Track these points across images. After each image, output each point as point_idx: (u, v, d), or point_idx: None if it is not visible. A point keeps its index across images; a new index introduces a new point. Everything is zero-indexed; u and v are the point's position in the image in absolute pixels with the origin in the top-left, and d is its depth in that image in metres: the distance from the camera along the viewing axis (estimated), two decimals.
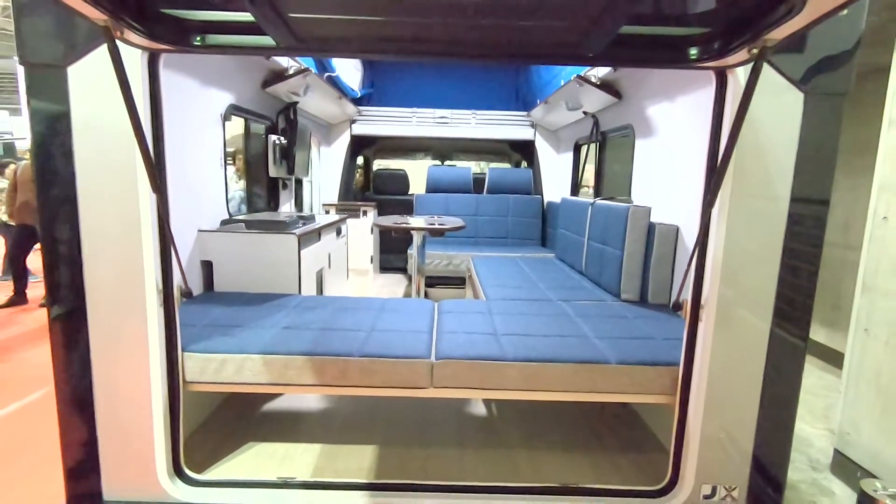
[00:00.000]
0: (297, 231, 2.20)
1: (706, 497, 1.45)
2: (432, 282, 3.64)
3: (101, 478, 1.43)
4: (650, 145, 2.41)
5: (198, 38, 1.12)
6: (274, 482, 1.47)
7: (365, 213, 4.12)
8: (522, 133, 4.31)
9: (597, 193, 3.38)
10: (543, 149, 4.36)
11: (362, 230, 4.08)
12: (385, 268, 4.42)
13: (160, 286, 1.37)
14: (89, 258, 1.35)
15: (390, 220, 2.86)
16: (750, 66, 1.09)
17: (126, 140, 1.26)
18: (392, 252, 4.38)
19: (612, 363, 1.48)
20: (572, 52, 1.10)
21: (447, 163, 5.51)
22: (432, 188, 4.28)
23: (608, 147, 3.26)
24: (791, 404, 1.42)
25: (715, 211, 1.33)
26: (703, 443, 1.42)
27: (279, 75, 2.64)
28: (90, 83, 1.25)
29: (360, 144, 4.56)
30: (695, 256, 1.36)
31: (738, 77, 1.26)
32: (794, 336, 1.38)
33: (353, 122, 4.28)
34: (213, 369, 1.47)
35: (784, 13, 0.92)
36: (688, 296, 1.42)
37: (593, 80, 2.60)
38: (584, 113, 3.21)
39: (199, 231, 2.11)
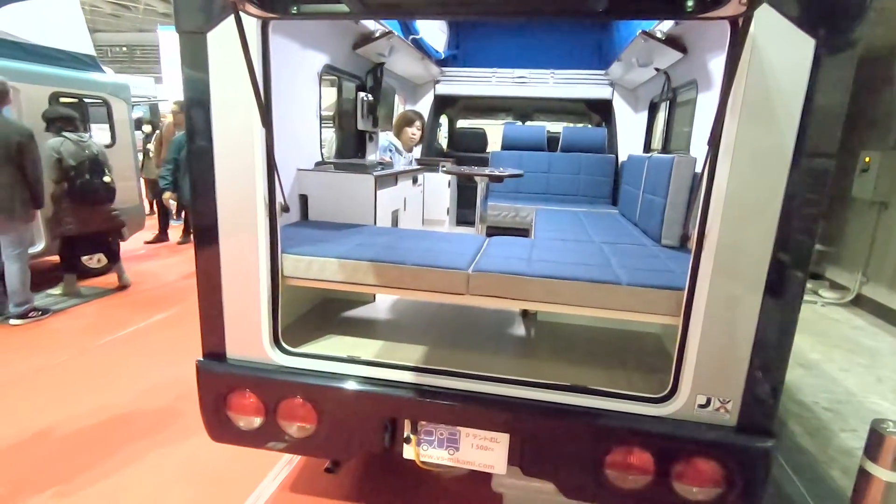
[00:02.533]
0: (375, 173, 2.61)
1: (701, 406, 1.66)
2: (497, 232, 3.94)
3: (226, 342, 1.96)
4: (709, 99, 2.47)
5: (294, 8, 1.49)
6: (343, 358, 1.92)
7: (444, 167, 4.47)
8: (600, 92, 4.36)
9: (664, 150, 3.42)
10: (621, 108, 4.38)
11: (440, 183, 4.45)
12: (461, 221, 4.77)
13: (266, 201, 1.82)
14: (220, 184, 1.82)
15: (457, 170, 3.18)
16: (760, 10, 1.22)
17: (245, 89, 1.68)
18: (468, 207, 4.71)
19: (624, 284, 1.71)
20: (582, 7, 1.31)
21: (528, 123, 5.67)
22: (507, 146, 4.52)
23: (678, 104, 3.28)
24: (787, 332, 1.56)
25: (722, 151, 1.49)
26: (700, 358, 1.62)
27: (367, 38, 3.02)
28: (222, 46, 1.68)
29: (444, 104, 4.88)
30: (701, 192, 1.53)
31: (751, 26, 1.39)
32: (792, 271, 1.51)
33: (437, 82, 4.60)
34: (302, 267, 1.93)
35: None
36: (694, 228, 1.59)
37: (658, 35, 2.66)
38: (656, 70, 3.25)
39: (298, 170, 2.59)
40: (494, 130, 5.69)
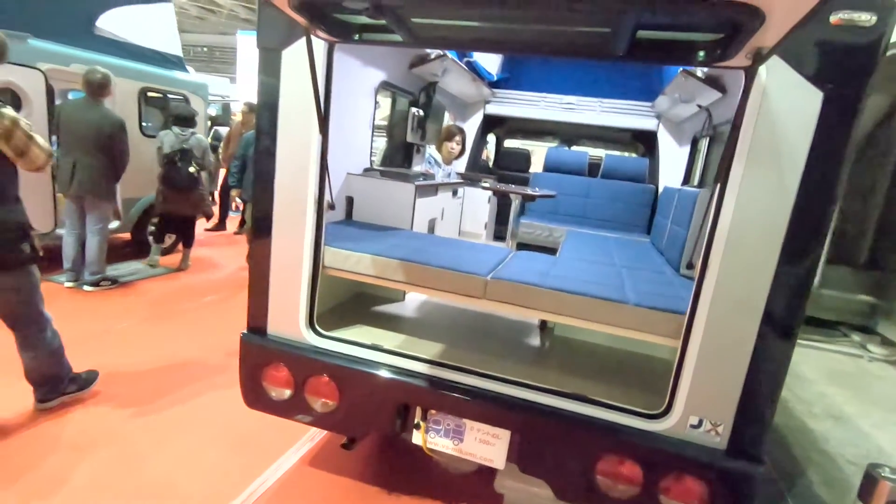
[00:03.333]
0: (416, 183, 2.84)
1: (693, 426, 1.75)
2: (528, 249, 4.08)
3: (268, 319, 2.21)
4: None
5: (356, 35, 1.74)
6: (367, 345, 2.12)
7: (482, 183, 4.66)
8: (646, 123, 4.45)
9: (700, 185, 3.48)
10: (666, 141, 4.45)
11: (481, 198, 4.64)
12: (497, 236, 4.94)
13: (315, 199, 2.07)
14: (278, 180, 2.08)
15: (493, 186, 3.37)
16: (773, 62, 1.35)
17: (308, 100, 1.94)
18: (506, 223, 4.88)
19: (630, 304, 1.84)
20: (605, 51, 1.48)
21: (574, 148, 5.80)
22: (549, 168, 4.67)
23: (717, 141, 3.35)
24: (781, 364, 1.64)
25: (729, 188, 1.60)
26: (695, 380, 1.72)
27: (423, 58, 3.28)
28: (294, 62, 1.95)
29: (492, 123, 5.09)
30: (707, 224, 1.65)
31: (761, 75, 1.51)
32: (788, 308, 1.60)
33: (487, 102, 4.82)
34: (340, 260, 2.16)
35: (757, 26, 1.21)
36: (699, 257, 1.71)
37: (699, 74, 2.77)
38: (699, 106, 3.33)
39: (347, 174, 2.85)
40: (542, 152, 5.84)
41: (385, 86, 3.15)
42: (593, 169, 4.76)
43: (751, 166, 1.57)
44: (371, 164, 3.09)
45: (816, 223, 1.55)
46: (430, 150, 3.94)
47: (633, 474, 1.81)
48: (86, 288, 4.64)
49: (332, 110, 2.07)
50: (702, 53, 1.42)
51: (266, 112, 2.04)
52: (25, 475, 2.34)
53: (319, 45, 1.89)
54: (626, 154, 5.34)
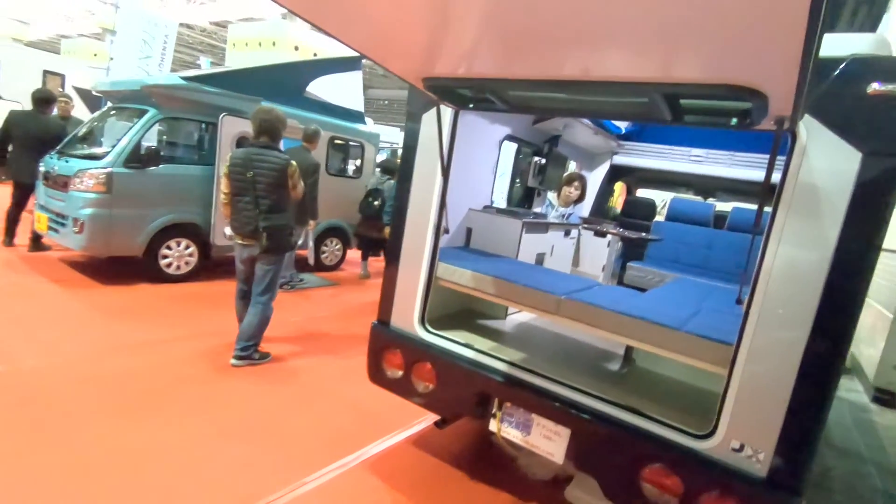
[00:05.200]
0: (524, 220, 3.33)
1: (734, 450, 1.90)
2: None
3: (392, 314, 2.86)
4: None
5: (471, 105, 2.34)
6: (462, 342, 2.63)
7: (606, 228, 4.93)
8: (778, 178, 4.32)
9: None
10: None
11: (601, 241, 4.91)
12: (619, 281, 5.11)
13: (434, 224, 2.69)
14: (410, 211, 2.75)
15: (592, 227, 3.69)
16: (813, 125, 1.60)
17: (436, 151, 2.60)
18: (624, 269, 5.05)
19: (681, 331, 2.07)
20: (656, 115, 1.84)
21: (709, 200, 5.71)
22: (671, 217, 4.76)
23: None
24: (823, 400, 1.74)
25: (773, 235, 1.81)
26: (737, 406, 1.88)
27: (544, 116, 3.81)
28: (428, 122, 2.63)
29: (619, 173, 5.36)
30: (754, 267, 1.86)
31: (802, 136, 1.73)
32: (828, 350, 1.71)
33: (615, 153, 5.13)
34: (449, 273, 2.74)
35: (765, 101, 1.50)
36: (747, 294, 1.90)
37: None
38: None
39: (469, 209, 3.47)
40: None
41: (509, 138, 3.74)
42: (720, 221, 4.71)
43: (792, 217, 1.77)
44: (491, 202, 3.67)
45: (857, 273, 1.68)
46: (550, 193, 4.40)
47: (675, 486, 2.00)
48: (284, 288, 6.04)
49: (461, 157, 2.70)
50: (735, 120, 1.71)
51: (407, 159, 2.76)
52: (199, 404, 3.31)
53: (448, 112, 2.55)
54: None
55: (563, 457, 2.28)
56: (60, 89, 11.35)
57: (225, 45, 17.61)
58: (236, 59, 14.46)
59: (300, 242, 6.22)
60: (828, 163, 1.71)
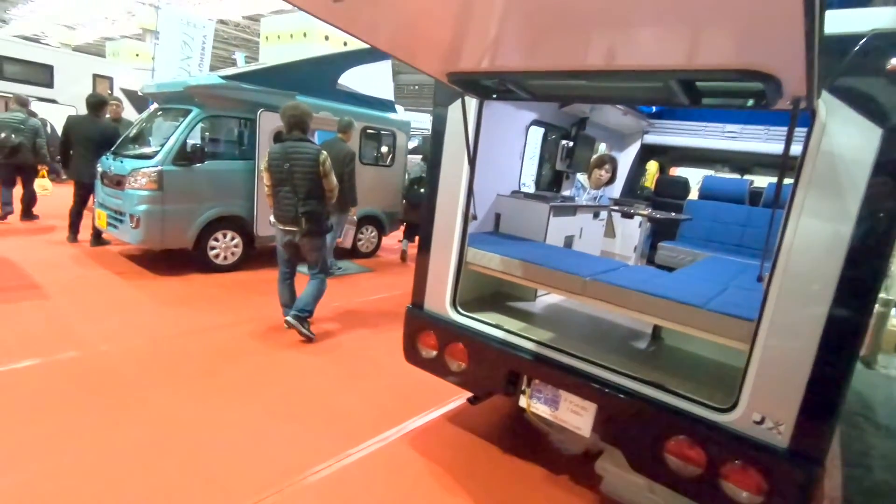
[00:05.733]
0: (551, 203, 3.40)
1: (756, 422, 1.96)
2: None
3: (425, 298, 3.01)
4: None
5: (494, 95, 2.43)
6: (492, 323, 2.75)
7: (637, 208, 4.91)
8: None
9: None
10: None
11: (633, 222, 4.90)
12: (650, 260, 5.10)
13: (463, 211, 2.81)
14: (440, 197, 2.88)
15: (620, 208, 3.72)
16: (832, 102, 1.62)
17: (462, 140, 2.70)
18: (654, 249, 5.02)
19: (704, 309, 2.13)
20: (675, 100, 1.89)
21: (746, 176, 5.58)
22: (704, 196, 4.70)
23: None
24: (844, 373, 1.78)
25: (794, 211, 1.84)
26: (758, 380, 1.93)
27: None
28: (455, 113, 2.73)
29: (651, 152, 5.30)
30: (775, 242, 1.89)
31: (821, 113, 1.75)
32: (848, 323, 1.75)
33: (646, 132, 5.07)
34: (478, 258, 2.86)
35: (778, 84, 1.53)
36: (767, 271, 1.94)
37: None
38: None
39: (497, 195, 3.56)
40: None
41: (536, 123, 3.78)
42: (757, 198, 4.62)
43: (812, 192, 1.80)
44: (519, 187, 3.74)
45: (877, 245, 1.69)
46: (580, 176, 4.43)
47: (699, 457, 2.08)
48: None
49: (488, 143, 2.80)
50: (751, 101, 1.74)
51: (436, 149, 2.87)
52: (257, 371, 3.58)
53: (473, 102, 2.64)
54: None
55: (590, 431, 2.39)
56: (109, 91, 12.00)
57: (258, 39, 18.05)
58: (269, 52, 14.81)
59: (338, 234, 6.47)
60: (847, 139, 1.72)
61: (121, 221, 5.67)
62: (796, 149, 1.83)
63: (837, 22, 1.80)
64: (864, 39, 1.69)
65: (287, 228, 4.12)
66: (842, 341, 1.78)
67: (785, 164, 1.79)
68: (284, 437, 3.00)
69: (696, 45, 1.51)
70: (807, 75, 1.42)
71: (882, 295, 6.20)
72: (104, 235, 6.54)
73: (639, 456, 2.26)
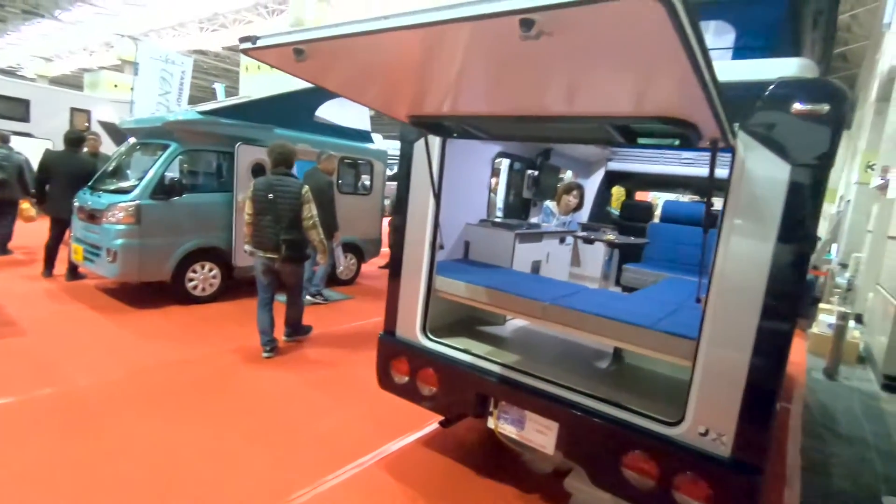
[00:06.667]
0: (517, 231, 3.58)
1: (701, 434, 2.11)
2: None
3: (396, 325, 3.13)
4: None
5: (454, 134, 2.62)
6: (461, 348, 2.88)
7: (603, 232, 5.13)
8: None
9: None
10: None
11: (598, 247, 5.11)
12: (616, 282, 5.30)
13: (430, 241, 2.96)
14: (407, 230, 3.03)
15: (582, 235, 3.92)
16: (749, 141, 1.84)
17: (428, 175, 2.87)
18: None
19: (652, 329, 2.29)
20: (611, 139, 2.09)
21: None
22: (665, 219, 4.94)
23: None
24: (774, 385, 1.94)
25: (723, 236, 2.03)
26: (700, 395, 2.08)
27: None
28: (420, 150, 2.90)
29: (616, 178, 5.56)
30: (708, 268, 2.08)
31: (740, 151, 1.95)
32: (775, 337, 1.92)
33: (609, 160, 5.34)
34: (446, 285, 3.00)
35: (695, 128, 1.73)
36: (703, 293, 2.12)
37: None
38: None
39: (466, 224, 3.73)
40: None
41: (502, 155, 3.99)
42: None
43: (738, 220, 1.99)
44: (487, 215, 3.92)
45: (795, 266, 1.89)
46: (549, 202, 4.64)
47: (652, 470, 2.21)
48: (307, 300, 6.46)
49: (456, 175, 2.98)
50: (677, 141, 1.95)
51: (403, 183, 3.04)
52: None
53: (436, 139, 2.83)
54: None
55: (554, 448, 2.51)
56: (87, 124, 12.03)
57: (238, 69, 18.30)
58: (249, 83, 15.03)
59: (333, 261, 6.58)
60: (763, 172, 1.93)
61: (98, 256, 5.69)
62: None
63: (749, 70, 2.04)
64: (772, 86, 1.91)
65: (268, 256, 4.39)
66: (771, 353, 1.95)
67: (710, 194, 1.99)
68: (263, 465, 3.05)
69: (624, 97, 1.72)
70: (716, 121, 1.62)
71: (841, 309, 6.49)
72: (80, 269, 6.53)
73: (599, 471, 2.39)
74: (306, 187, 4.44)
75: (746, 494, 2.00)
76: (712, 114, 1.56)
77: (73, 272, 6.59)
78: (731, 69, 2.14)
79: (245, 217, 4.44)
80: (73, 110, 12.06)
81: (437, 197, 2.86)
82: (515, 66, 1.55)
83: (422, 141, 2.84)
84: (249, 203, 4.38)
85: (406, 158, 2.99)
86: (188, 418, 3.51)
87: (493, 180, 4.05)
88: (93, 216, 5.70)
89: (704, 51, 1.19)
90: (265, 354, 4.62)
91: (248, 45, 1.71)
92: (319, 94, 7.33)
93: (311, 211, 4.44)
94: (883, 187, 9.07)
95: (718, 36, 2.76)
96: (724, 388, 2.04)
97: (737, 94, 1.93)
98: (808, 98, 1.84)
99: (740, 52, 2.60)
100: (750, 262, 1.97)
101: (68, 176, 6.42)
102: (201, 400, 3.79)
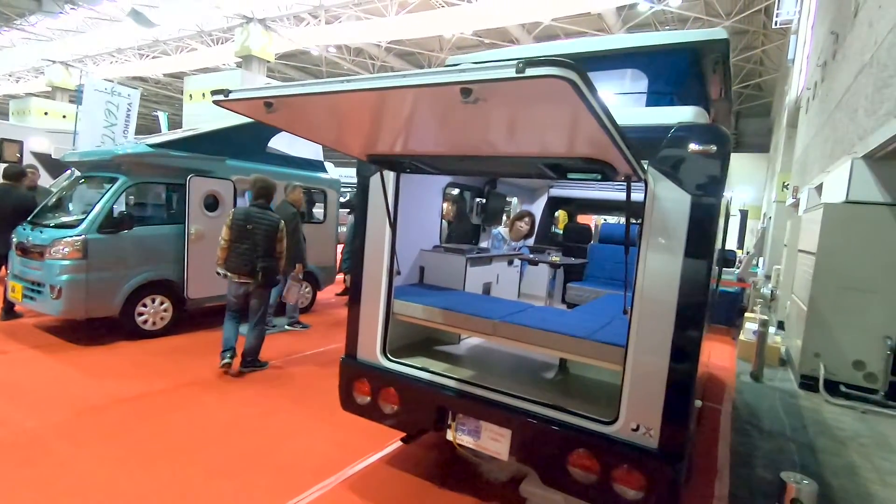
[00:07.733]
0: (467, 255, 3.85)
1: (633, 430, 2.40)
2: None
3: (357, 348, 3.30)
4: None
5: (407, 169, 2.87)
6: (419, 367, 3.08)
7: (549, 253, 5.50)
8: None
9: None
10: None
11: (543, 266, 5.47)
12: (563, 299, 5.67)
13: (387, 268, 3.17)
14: (366, 257, 3.24)
15: (526, 257, 4.26)
16: (656, 175, 2.20)
17: (383, 206, 3.09)
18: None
19: (589, 339, 2.60)
20: (545, 175, 2.41)
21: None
22: (602, 240, 5.39)
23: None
24: (688, 388, 2.27)
25: (642, 254, 2.38)
26: (630, 395, 2.39)
27: None
28: (376, 183, 3.13)
29: (557, 203, 6.00)
30: (630, 282, 2.41)
31: (650, 183, 2.32)
32: (688, 341, 2.27)
33: (551, 186, 5.77)
34: (404, 308, 3.21)
35: (611, 167, 2.07)
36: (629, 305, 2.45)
37: None
38: None
39: (421, 250, 3.97)
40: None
41: (451, 185, 4.29)
42: None
43: (653, 240, 2.34)
44: (440, 241, 4.18)
45: (698, 280, 2.24)
46: (499, 228, 4.96)
47: (594, 466, 2.48)
48: (286, 327, 6.76)
49: (410, 205, 3.22)
50: (599, 176, 2.29)
51: (360, 214, 3.25)
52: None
53: (391, 174, 3.07)
54: None
55: (508, 454, 2.74)
56: (18, 156, 11.48)
57: (181, 96, 17.99)
58: (194, 110, 14.85)
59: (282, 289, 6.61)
60: (670, 201, 2.30)
61: (39, 293, 5.50)
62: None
63: (656, 116, 2.43)
64: (673, 129, 2.30)
65: (242, 280, 4.81)
66: (685, 354, 2.29)
67: (628, 219, 2.34)
68: (225, 497, 3.09)
69: (551, 143, 2.04)
70: (626, 162, 1.96)
71: (762, 316, 7.16)
72: (17, 308, 6.25)
73: (548, 471, 2.63)
74: (283, 222, 4.92)
75: (672, 480, 2.30)
76: (622, 156, 1.90)
77: (10, 311, 6.29)
78: (642, 115, 2.54)
79: (221, 242, 4.77)
80: (4, 141, 11.49)
81: (393, 226, 3.09)
82: (459, 119, 1.84)
83: (377, 175, 3.08)
84: (226, 230, 4.75)
85: (363, 191, 3.22)
86: (144, 456, 3.48)
87: (445, 206, 4.33)
88: (35, 252, 5.52)
89: (606, 112, 1.51)
90: (224, 361, 4.88)
91: (220, 97, 1.91)
92: (272, 126, 7.45)
93: (283, 247, 4.93)
94: (795, 205, 10.11)
95: (635, 81, 3.19)
96: (650, 387, 2.35)
97: (647, 135, 2.31)
98: (700, 140, 2.23)
99: (652, 96, 3.03)
100: (664, 276, 2.32)
101: (5, 211, 6.19)
102: (157, 436, 3.76)
